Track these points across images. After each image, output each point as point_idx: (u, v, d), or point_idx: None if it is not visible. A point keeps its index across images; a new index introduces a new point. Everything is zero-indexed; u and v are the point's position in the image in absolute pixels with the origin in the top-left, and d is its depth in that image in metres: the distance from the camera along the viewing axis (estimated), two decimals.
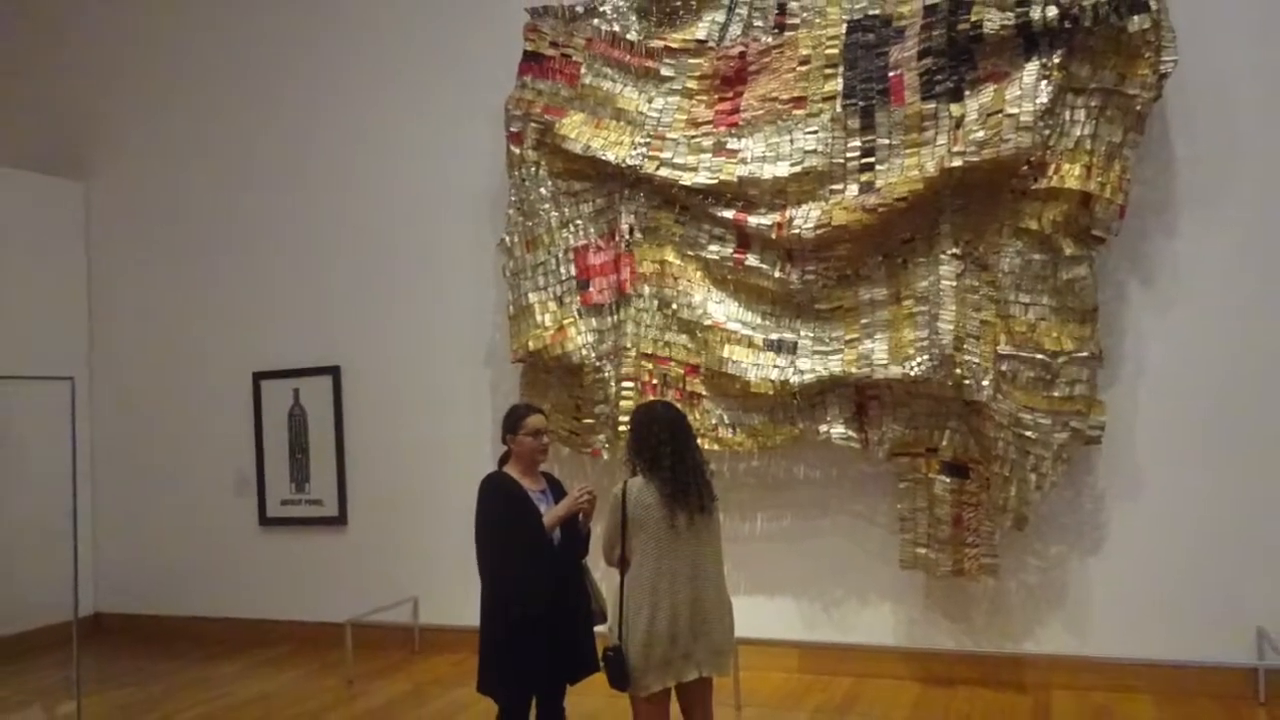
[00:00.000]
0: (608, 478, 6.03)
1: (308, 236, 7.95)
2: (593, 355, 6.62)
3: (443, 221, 7.46)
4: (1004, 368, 5.75)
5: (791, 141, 6.26)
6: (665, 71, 6.64)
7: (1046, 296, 5.73)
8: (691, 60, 6.61)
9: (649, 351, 6.51)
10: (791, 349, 6.24)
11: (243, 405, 8.11)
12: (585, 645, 4.37)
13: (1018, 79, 5.66)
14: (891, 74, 6.06)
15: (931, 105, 5.93)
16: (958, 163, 5.70)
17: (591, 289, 6.73)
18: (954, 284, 5.82)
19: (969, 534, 5.88)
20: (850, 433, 6.12)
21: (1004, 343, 5.77)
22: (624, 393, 6.44)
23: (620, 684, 4.04)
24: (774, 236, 6.19)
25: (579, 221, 6.80)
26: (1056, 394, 5.68)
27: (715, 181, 6.35)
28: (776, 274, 6.27)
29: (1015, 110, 5.60)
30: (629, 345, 6.50)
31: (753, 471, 6.52)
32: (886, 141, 6.06)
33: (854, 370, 6.03)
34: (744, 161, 6.33)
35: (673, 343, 6.50)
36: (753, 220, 6.27)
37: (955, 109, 5.86)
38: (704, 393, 6.43)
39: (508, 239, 6.89)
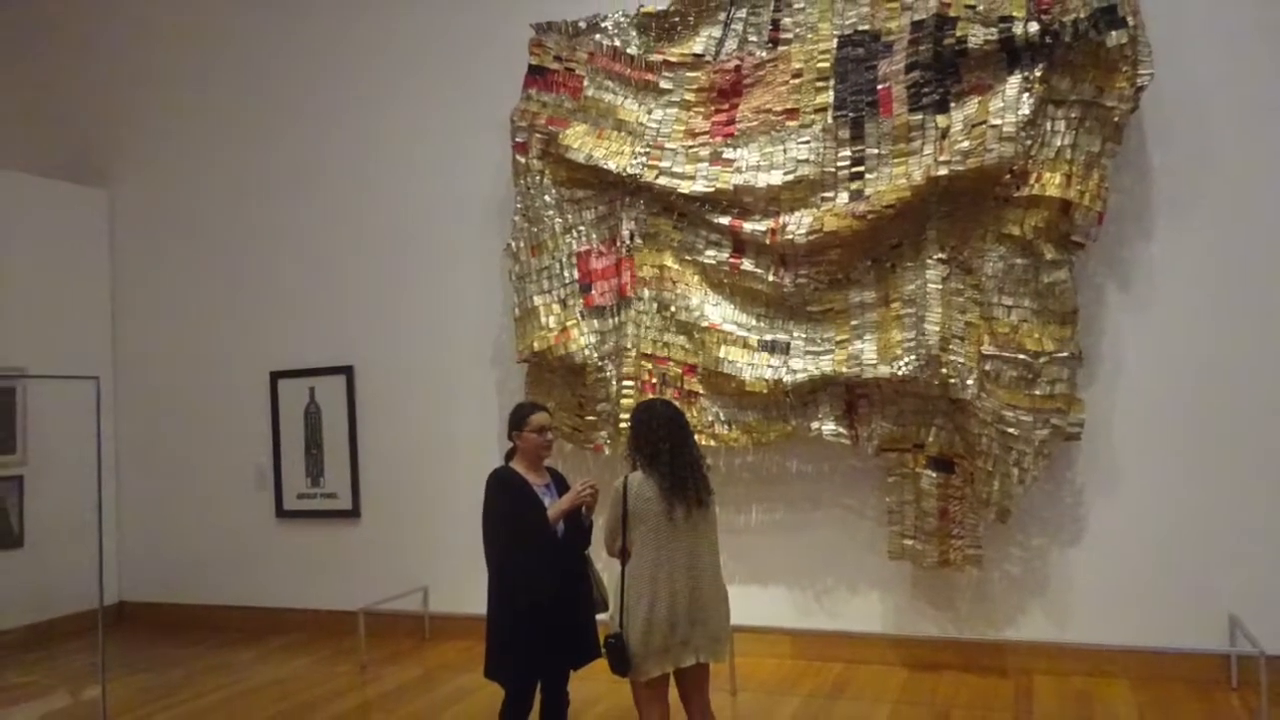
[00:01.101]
0: (609, 472, 5.99)
1: (323, 242, 7.91)
2: (595, 355, 6.59)
3: (451, 228, 7.42)
4: (988, 367, 5.72)
5: (785, 151, 6.23)
6: (664, 84, 6.61)
7: (1028, 299, 5.71)
8: (689, 74, 6.58)
9: (649, 352, 6.49)
10: (784, 349, 6.21)
11: (260, 403, 8.06)
12: (588, 632, 4.37)
13: (1001, 91, 5.64)
14: (880, 87, 6.04)
15: (918, 116, 5.91)
16: (943, 171, 5.68)
17: (594, 292, 6.70)
18: (940, 287, 5.80)
19: (954, 526, 5.86)
20: (841, 429, 6.09)
21: (988, 343, 5.74)
22: (625, 391, 6.43)
23: (621, 669, 4.02)
24: (768, 242, 6.16)
25: (582, 228, 6.77)
26: (1038, 392, 5.65)
27: (712, 189, 6.33)
28: (770, 278, 6.24)
29: (998, 121, 5.58)
30: (629, 346, 6.49)
31: (747, 466, 6.49)
32: (875, 151, 6.03)
33: (844, 370, 6.00)
34: (739, 170, 6.31)
35: (671, 343, 6.48)
36: (748, 226, 6.24)
37: (941, 120, 5.84)
38: (701, 391, 6.41)
39: (513, 244, 6.87)
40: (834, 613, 6.33)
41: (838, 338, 6.11)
